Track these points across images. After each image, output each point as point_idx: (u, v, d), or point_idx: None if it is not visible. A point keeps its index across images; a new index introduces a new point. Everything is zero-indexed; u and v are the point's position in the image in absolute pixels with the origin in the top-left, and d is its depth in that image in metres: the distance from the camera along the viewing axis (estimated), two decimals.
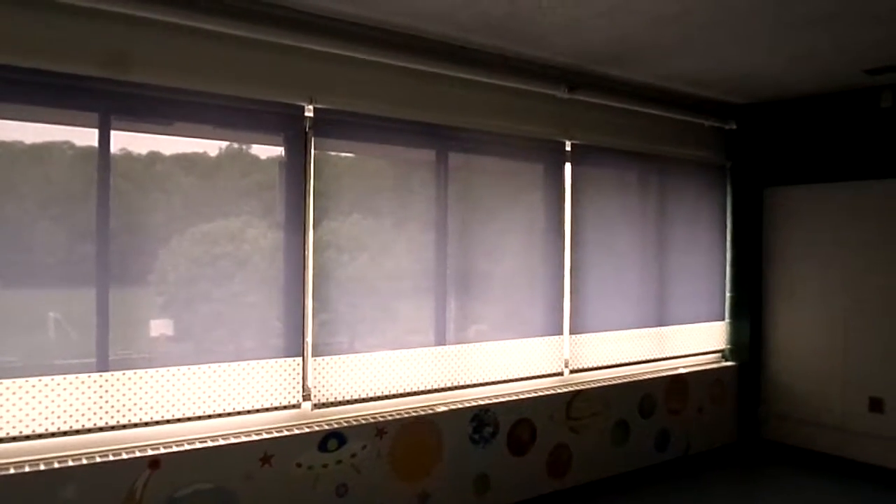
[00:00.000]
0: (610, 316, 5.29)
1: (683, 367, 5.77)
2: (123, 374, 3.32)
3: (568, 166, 5.02)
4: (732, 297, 6.18)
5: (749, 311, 6.10)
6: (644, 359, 5.51)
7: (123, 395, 3.31)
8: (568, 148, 5.02)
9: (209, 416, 3.54)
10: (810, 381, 5.75)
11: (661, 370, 5.60)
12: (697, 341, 5.95)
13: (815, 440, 5.68)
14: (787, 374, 5.91)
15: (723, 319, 6.18)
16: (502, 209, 4.68)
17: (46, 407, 3.12)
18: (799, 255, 5.85)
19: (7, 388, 3.03)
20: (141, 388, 3.36)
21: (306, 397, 3.85)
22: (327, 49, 3.80)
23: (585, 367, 5.12)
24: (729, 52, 4.43)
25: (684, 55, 4.53)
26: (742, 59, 4.60)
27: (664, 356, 5.67)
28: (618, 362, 5.33)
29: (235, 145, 3.73)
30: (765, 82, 5.27)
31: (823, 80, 5.16)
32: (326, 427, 3.79)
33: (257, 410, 3.69)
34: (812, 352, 5.76)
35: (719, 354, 6.18)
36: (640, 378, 5.37)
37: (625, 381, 5.27)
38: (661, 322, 5.63)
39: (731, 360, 6.15)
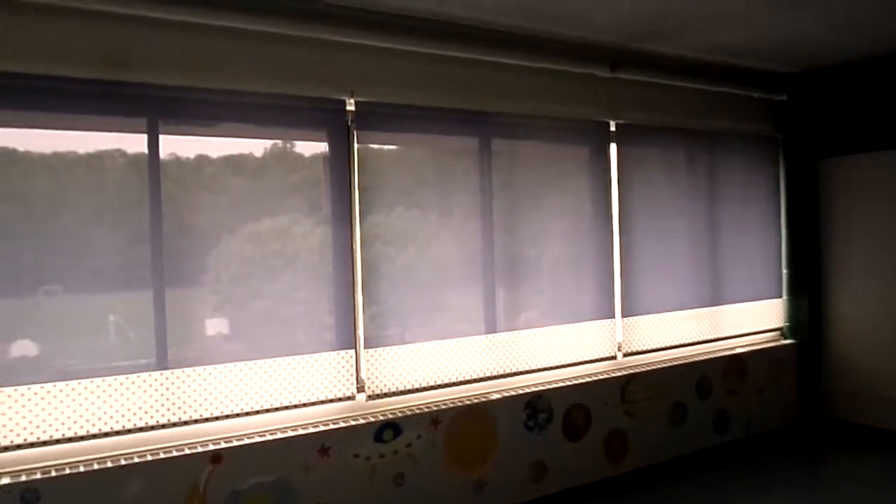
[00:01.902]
0: (663, 297, 5.20)
1: (741, 346, 5.65)
2: (183, 371, 3.40)
3: (613, 147, 4.94)
4: (789, 274, 6.01)
5: (807, 287, 5.92)
6: (699, 339, 5.40)
7: (184, 392, 3.40)
8: (612, 128, 4.94)
9: (267, 410, 3.61)
10: (875, 356, 5.56)
11: (718, 350, 5.49)
12: (754, 320, 5.80)
13: (882, 417, 5.49)
14: (850, 350, 5.73)
15: (780, 297, 6.01)
16: (548, 194, 4.64)
17: (111, 406, 3.22)
18: (858, 227, 5.65)
19: (73, 390, 3.14)
20: (200, 385, 3.44)
21: (360, 389, 3.90)
22: (365, 41, 3.81)
23: (639, 349, 5.05)
24: (778, 17, 4.28)
25: (730, 25, 4.40)
26: (792, 24, 4.44)
27: (720, 336, 5.55)
28: (672, 344, 5.24)
29: (280, 143, 3.78)
30: (816, 49, 5.08)
31: (878, 43, 4.95)
32: (381, 418, 3.83)
33: (313, 403, 3.74)
34: (875, 326, 5.57)
35: (777, 332, 6.02)
36: (697, 359, 5.28)
37: (680, 362, 5.18)
38: (715, 301, 5.51)
39: (790, 338, 5.98)
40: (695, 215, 5.44)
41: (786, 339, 6.00)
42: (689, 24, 4.32)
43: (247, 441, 3.45)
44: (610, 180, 4.93)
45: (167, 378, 3.36)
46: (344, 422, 3.75)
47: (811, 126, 5.89)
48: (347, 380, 3.85)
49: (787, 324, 6.03)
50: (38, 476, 2.97)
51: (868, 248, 5.59)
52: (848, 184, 5.71)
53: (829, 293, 5.88)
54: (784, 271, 6.02)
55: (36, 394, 3.07)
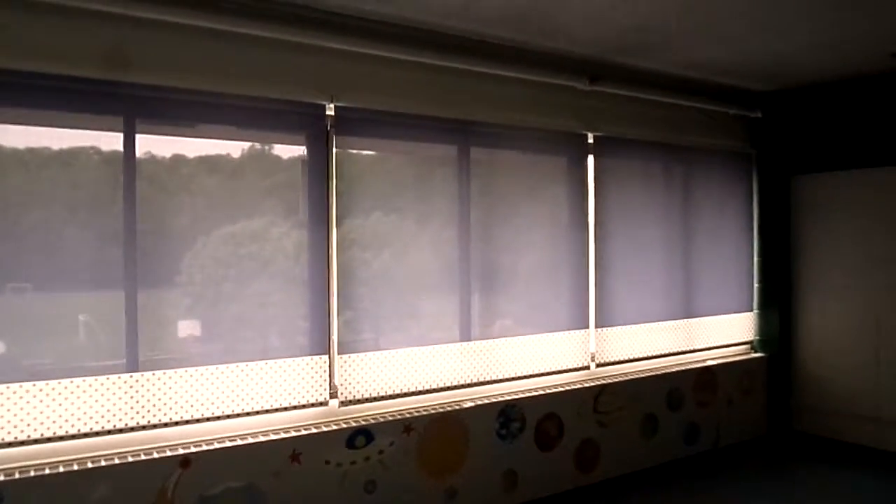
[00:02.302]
0: (636, 309, 5.25)
1: (712, 359, 5.71)
2: (153, 374, 3.36)
3: (591, 159, 4.99)
4: (760, 288, 6.10)
5: (778, 301, 6.01)
6: (671, 351, 5.46)
7: (154, 395, 3.35)
8: (590, 140, 4.98)
9: (238, 415, 3.57)
10: (843, 371, 5.66)
11: (689, 363, 5.54)
12: (725, 333, 5.88)
13: (849, 431, 5.59)
14: (819, 365, 5.83)
15: (751, 310, 6.10)
16: (525, 203, 4.66)
17: (79, 408, 3.17)
18: (828, 243, 5.75)
19: (41, 391, 3.09)
20: (171, 388, 3.40)
21: (333, 395, 3.87)
22: (347, 47, 3.81)
23: (612, 360, 5.08)
24: (753, 38, 4.37)
25: (708, 43, 4.47)
26: (767, 45, 4.53)
27: (692, 348, 5.61)
28: (645, 355, 5.28)
29: (258, 146, 3.75)
30: (791, 69, 5.18)
31: (851, 65, 5.06)
32: (354, 424, 3.81)
33: (285, 409, 3.71)
34: (844, 341, 5.67)
35: (748, 346, 6.10)
36: (668, 371, 5.33)
37: (652, 374, 5.23)
38: (688, 314, 5.57)
39: (761, 352, 6.07)
40: (669, 228, 5.50)
41: (756, 352, 6.09)
42: (668, 40, 4.38)
43: (217, 445, 3.41)
44: (587, 192, 4.97)
45: (137, 380, 3.31)
46: (316, 427, 3.72)
47: (784, 143, 6.00)
48: (320, 385, 3.82)
49: (757, 337, 6.11)
50: (2, 478, 2.91)
51: (837, 264, 5.70)
52: (819, 201, 5.81)
53: (798, 308, 5.97)
54: (755, 285, 6.11)
55: (2, 394, 3.01)
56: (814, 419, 5.83)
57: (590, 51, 4.59)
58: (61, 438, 3.13)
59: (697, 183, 5.71)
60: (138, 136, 3.34)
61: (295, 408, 3.74)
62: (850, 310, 5.63)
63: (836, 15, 3.93)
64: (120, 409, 3.27)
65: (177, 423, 3.41)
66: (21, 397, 3.05)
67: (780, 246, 6.02)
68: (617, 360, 5.11)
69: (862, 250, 5.54)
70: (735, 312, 5.96)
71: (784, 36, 4.33)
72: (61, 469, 3.03)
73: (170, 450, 3.31)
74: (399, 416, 3.98)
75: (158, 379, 3.37)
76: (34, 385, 3.08)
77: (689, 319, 5.59)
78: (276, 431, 3.62)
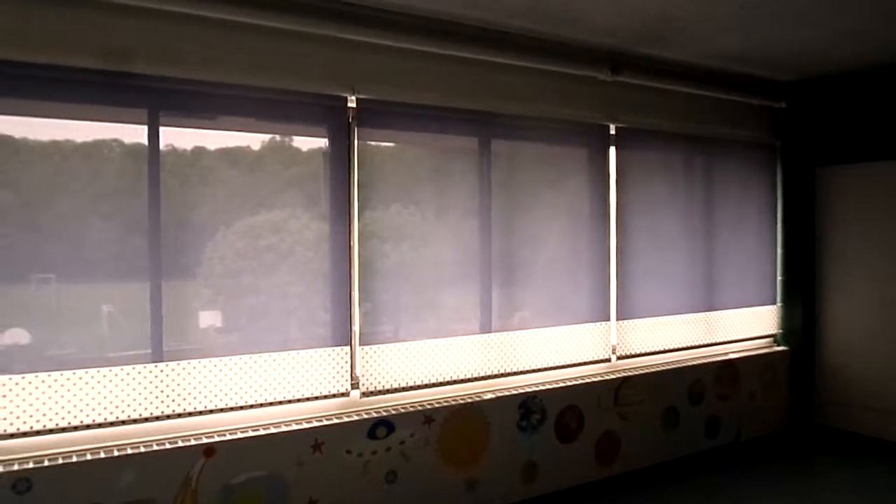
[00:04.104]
0: (658, 301, 5.22)
1: (734, 352, 5.67)
2: (178, 364, 3.39)
3: (612, 150, 4.95)
4: (784, 281, 6.04)
5: (801, 294, 5.95)
6: (693, 344, 5.42)
7: (178, 384, 3.39)
8: (612, 131, 4.95)
9: (261, 405, 3.61)
10: (866, 365, 5.59)
11: (711, 356, 5.51)
12: (748, 326, 5.82)
13: (872, 425, 5.52)
14: (842, 359, 5.76)
15: (774, 303, 6.03)
16: (546, 195, 4.64)
17: (105, 397, 3.21)
18: (853, 236, 5.68)
19: (68, 380, 3.13)
20: (195, 378, 3.43)
21: (355, 385, 3.89)
22: (368, 39, 3.81)
23: (633, 353, 5.06)
24: (775, 27, 4.31)
25: (729, 32, 4.41)
26: (791, 34, 4.46)
27: (714, 341, 5.57)
28: (666, 348, 5.25)
29: (278, 138, 3.76)
30: (814, 58, 5.10)
31: (875, 54, 4.97)
32: (375, 415, 3.83)
33: (307, 399, 3.74)
34: (868, 335, 5.60)
35: (771, 339, 6.05)
36: (690, 364, 5.30)
37: (674, 367, 5.20)
38: (710, 307, 5.53)
39: (783, 345, 6.01)
40: (692, 220, 5.46)
41: (779, 345, 6.03)
42: (690, 29, 4.33)
43: (240, 435, 3.45)
44: (609, 183, 4.94)
45: (162, 370, 3.35)
46: (338, 418, 3.75)
47: (809, 134, 5.91)
48: (342, 376, 3.84)
49: (780, 331, 6.05)
50: (31, 465, 2.97)
51: (862, 257, 5.62)
52: (844, 193, 5.73)
53: (822, 301, 5.90)
54: (779, 278, 6.05)
55: (30, 383, 3.06)
56: (837, 413, 5.77)
57: (612, 41, 4.55)
58: (88, 427, 3.18)
59: (720, 174, 5.66)
60: (162, 129, 3.36)
61: (317, 398, 3.77)
62: (874, 303, 5.56)
63: (858, 4, 3.86)
64: (146, 399, 3.31)
65: (201, 413, 3.45)
66: (49, 386, 3.10)
67: (804, 238, 5.95)
68: (638, 352, 5.09)
69: (888, 243, 5.46)
70: (758, 305, 5.90)
71: (808, 24, 4.26)
72: (88, 457, 3.08)
73: (194, 439, 3.35)
74: (420, 408, 3.99)
75: (183, 369, 3.41)
76: (61, 374, 3.13)
77: (712, 312, 5.55)
78: (298, 421, 3.65)
